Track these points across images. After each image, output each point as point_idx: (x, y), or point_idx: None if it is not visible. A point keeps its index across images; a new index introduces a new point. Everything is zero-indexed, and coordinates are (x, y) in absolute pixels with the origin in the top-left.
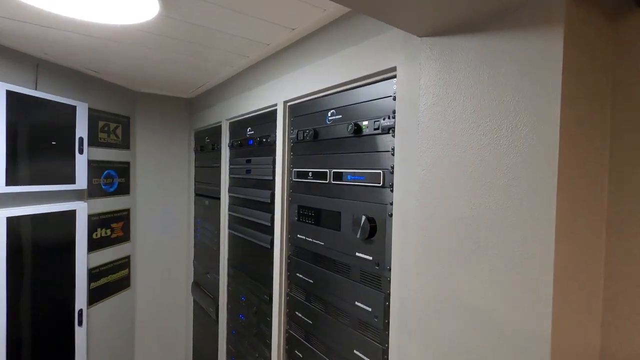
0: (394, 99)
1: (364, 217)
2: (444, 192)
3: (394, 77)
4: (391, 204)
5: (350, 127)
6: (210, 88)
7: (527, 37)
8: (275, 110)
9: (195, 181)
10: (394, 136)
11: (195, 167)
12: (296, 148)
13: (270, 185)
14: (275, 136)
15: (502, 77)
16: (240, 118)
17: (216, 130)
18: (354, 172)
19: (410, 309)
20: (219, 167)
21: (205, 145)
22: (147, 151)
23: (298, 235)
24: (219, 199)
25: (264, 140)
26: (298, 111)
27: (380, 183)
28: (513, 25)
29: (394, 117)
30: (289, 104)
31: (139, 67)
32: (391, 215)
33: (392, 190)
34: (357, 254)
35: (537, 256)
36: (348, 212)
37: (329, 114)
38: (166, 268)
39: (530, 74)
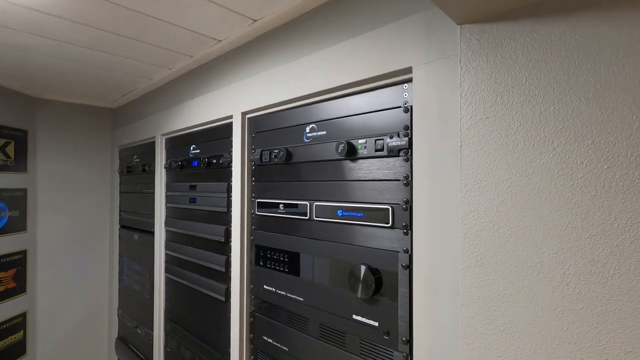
0: (407, 110)
1: (364, 268)
2: (512, 249)
3: (407, 81)
4: (406, 251)
5: (340, 148)
6: (141, 95)
7: None
8: (230, 123)
9: (120, 210)
10: (407, 160)
11: (121, 192)
12: (260, 172)
13: (224, 219)
14: (231, 157)
15: (616, 76)
16: (182, 133)
17: (149, 148)
18: (348, 206)
19: None
20: (153, 193)
21: (134, 165)
22: (52, 174)
23: (265, 287)
24: (152, 233)
25: (214, 161)
26: (262, 125)
27: (388, 222)
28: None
29: (406, 135)
30: (248, 115)
31: (37, 65)
32: (406, 267)
33: (407, 233)
34: (355, 317)
35: None
36: (339, 260)
37: (307, 130)
38: (80, 323)
39: None
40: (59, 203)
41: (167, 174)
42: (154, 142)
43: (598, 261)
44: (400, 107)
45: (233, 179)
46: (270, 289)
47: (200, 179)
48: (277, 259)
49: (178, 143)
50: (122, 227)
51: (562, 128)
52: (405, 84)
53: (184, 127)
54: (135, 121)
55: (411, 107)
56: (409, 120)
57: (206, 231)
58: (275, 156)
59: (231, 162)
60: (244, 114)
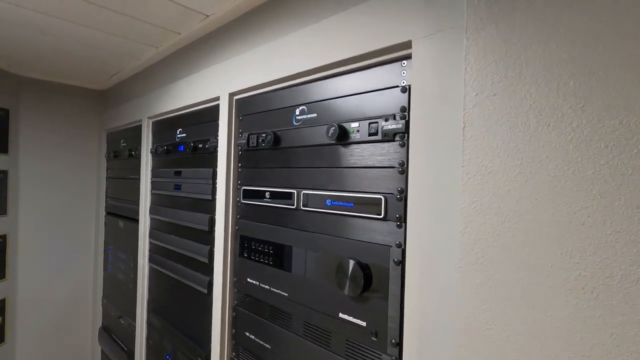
0: (405, 90)
1: (352, 263)
2: (519, 245)
3: (405, 57)
4: (399, 245)
5: (331, 131)
6: (129, 77)
7: None
8: (217, 106)
9: (106, 196)
10: (403, 145)
11: (107, 177)
12: (246, 158)
13: (209, 207)
14: (217, 141)
15: None
16: (168, 116)
17: (135, 132)
18: (337, 195)
19: None
20: (138, 179)
21: (121, 150)
22: (35, 156)
23: (248, 280)
24: (137, 221)
25: (200, 146)
26: (250, 107)
27: (380, 214)
28: None
29: (403, 118)
30: (236, 97)
31: (20, 40)
32: (399, 262)
33: (400, 226)
34: (341, 315)
35: None
36: (327, 253)
37: (297, 112)
38: (63, 311)
39: None
40: (42, 187)
41: (153, 159)
42: (140, 126)
43: (622, 262)
44: (397, 86)
45: (218, 164)
46: (254, 282)
47: (186, 165)
48: (262, 250)
49: (165, 127)
50: (108, 213)
51: (583, 106)
52: (404, 61)
53: (170, 109)
54: (122, 104)
55: (409, 86)
56: (407, 101)
57: (190, 220)
58: (263, 140)
59: (217, 147)
60: (231, 95)
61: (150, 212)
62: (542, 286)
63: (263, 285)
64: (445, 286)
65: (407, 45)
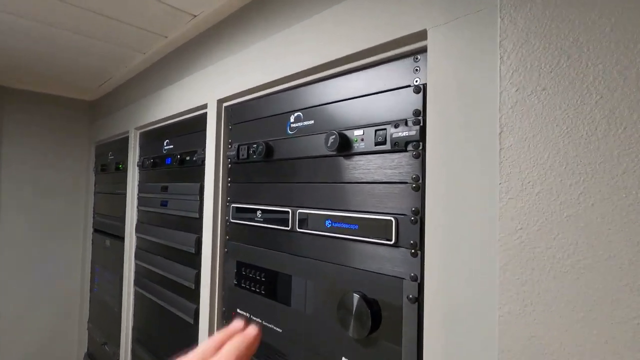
0: (418, 90)
1: (357, 297)
2: (582, 292)
3: (418, 51)
4: (414, 278)
5: (331, 141)
6: (117, 86)
7: None
8: (205, 114)
9: (94, 212)
10: (417, 156)
11: (95, 192)
12: (236, 172)
13: (196, 226)
14: (204, 153)
15: None
16: (155, 126)
17: (123, 144)
18: (338, 215)
19: None
20: (125, 194)
21: (108, 163)
22: (18, 172)
23: (239, 311)
24: (123, 239)
25: (188, 158)
26: (240, 115)
27: (390, 239)
28: None
29: (417, 123)
30: (225, 104)
31: (4, 48)
32: (414, 300)
33: (415, 254)
34: None
35: None
36: (327, 284)
37: (292, 119)
38: (48, 334)
39: None
40: (26, 202)
41: (139, 173)
42: (128, 137)
43: None
44: (409, 86)
45: (206, 179)
46: (245, 314)
47: (173, 179)
48: (253, 277)
49: (152, 138)
50: (96, 230)
51: None
52: (417, 56)
53: (157, 119)
54: (109, 114)
55: (424, 85)
56: (421, 103)
57: (176, 240)
58: (254, 152)
59: (204, 159)
60: (220, 101)
61: (137, 231)
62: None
63: (255, 319)
64: (479, 338)
65: (421, 35)
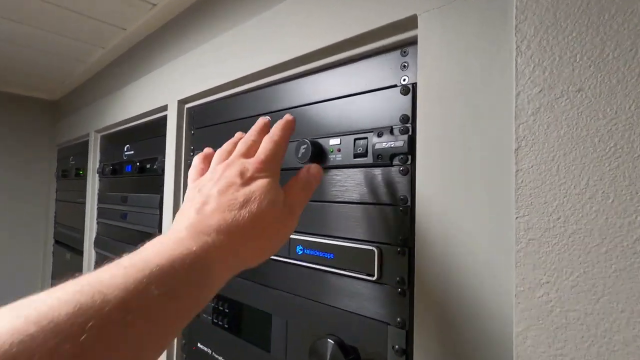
0: (406, 90)
1: (331, 344)
2: None
3: (406, 44)
4: (401, 325)
5: (302, 151)
6: (79, 84)
7: None
8: (165, 117)
9: (55, 222)
10: (406, 172)
11: (57, 200)
12: None
13: None
14: (164, 160)
15: None
16: (116, 129)
17: (84, 148)
18: (311, 241)
19: None
20: (85, 204)
21: (69, 168)
22: None
23: (199, 345)
24: (82, 253)
25: (148, 166)
26: (203, 118)
27: (372, 273)
28: None
29: (405, 132)
30: (187, 105)
31: None
32: (401, 352)
33: (403, 294)
34: None
35: None
36: (297, 323)
37: None
38: None
39: None
40: None
41: (100, 181)
42: (88, 141)
43: None
44: (395, 86)
45: (165, 190)
46: (206, 350)
47: (133, 189)
48: (215, 307)
49: (113, 142)
50: (57, 242)
51: None
52: (405, 49)
53: (117, 121)
54: (71, 115)
55: (413, 85)
56: (410, 107)
57: None
58: None
59: (165, 168)
60: (181, 102)
61: (95, 245)
62: None
63: (217, 356)
64: None
65: (411, 23)
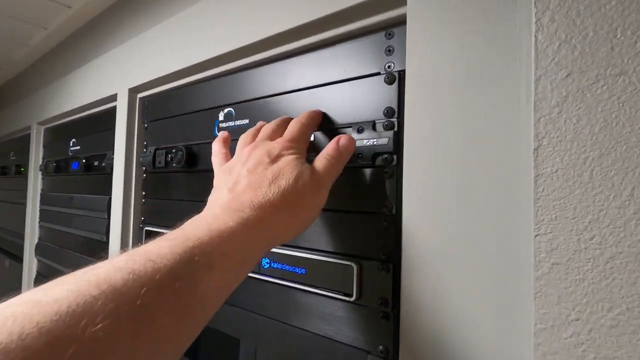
0: (391, 79)
1: None
2: None
3: (394, 24)
4: (384, 353)
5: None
6: (20, 71)
7: None
8: (115, 107)
9: None
10: (391, 175)
11: None
12: (153, 183)
13: (102, 253)
14: (113, 157)
15: None
16: (61, 121)
17: (26, 142)
18: (279, 253)
19: None
20: (25, 205)
21: (9, 165)
22: None
23: None
24: (22, 261)
25: (96, 163)
26: (159, 110)
27: (350, 292)
28: None
29: (390, 127)
30: (140, 94)
31: None
32: None
33: (386, 316)
34: None
35: None
36: (265, 350)
37: (221, 116)
38: None
39: None
40: None
41: (43, 179)
42: (30, 134)
43: None
44: (378, 73)
45: (113, 191)
46: None
47: (80, 189)
48: None
49: (58, 136)
50: None
51: None
52: (391, 30)
53: (62, 112)
54: (10, 106)
55: (399, 73)
56: (396, 99)
57: (79, 268)
58: (172, 159)
59: (113, 165)
60: (133, 91)
61: (37, 252)
62: None
63: None
64: None
65: (399, 2)
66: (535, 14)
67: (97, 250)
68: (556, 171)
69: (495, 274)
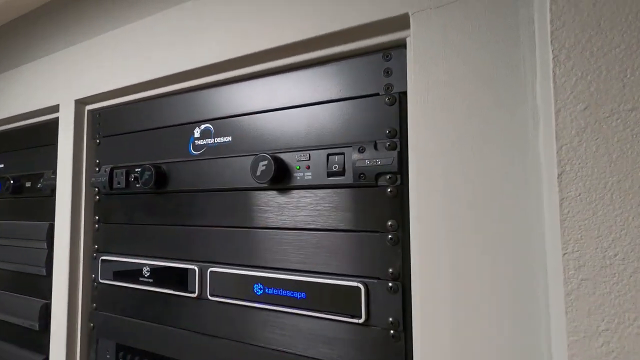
0: (392, 100)
1: None
2: None
3: (395, 45)
4: None
5: (262, 168)
6: None
7: None
8: (56, 120)
9: None
10: (395, 195)
11: None
12: (109, 207)
13: (41, 288)
14: (55, 178)
15: None
16: None
17: None
18: (274, 278)
19: None
20: None
21: None
22: None
23: None
24: None
25: (29, 184)
26: (115, 124)
27: (359, 315)
28: None
29: (392, 147)
30: (90, 107)
31: None
32: None
33: (397, 338)
34: None
35: None
36: None
37: (197, 133)
38: None
39: None
40: None
41: None
42: None
43: None
44: (377, 94)
45: (57, 216)
46: None
47: (7, 215)
48: None
49: None
50: None
51: None
52: (388, 52)
53: None
54: None
55: (400, 95)
56: (397, 120)
57: (11, 310)
58: (137, 179)
59: (55, 187)
60: (80, 103)
61: None
62: None
63: None
64: None
65: (400, 22)
66: (552, 50)
67: (35, 286)
68: (579, 195)
69: (515, 289)
